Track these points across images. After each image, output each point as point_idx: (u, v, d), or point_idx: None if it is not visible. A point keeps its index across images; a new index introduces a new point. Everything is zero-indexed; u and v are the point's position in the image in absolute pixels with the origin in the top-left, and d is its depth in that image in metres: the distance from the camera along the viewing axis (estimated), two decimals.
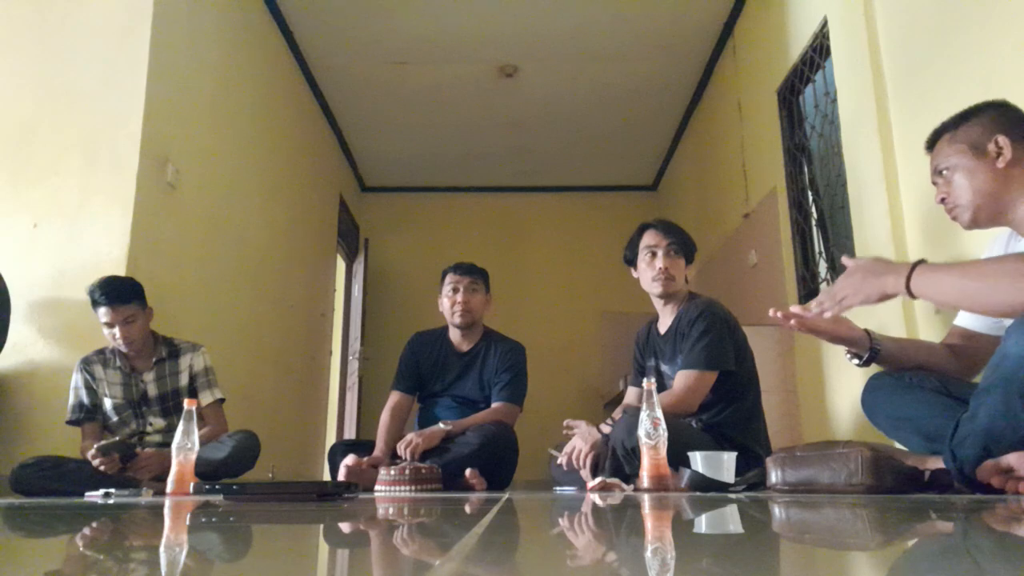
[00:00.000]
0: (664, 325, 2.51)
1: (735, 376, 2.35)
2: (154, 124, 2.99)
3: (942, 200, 1.69)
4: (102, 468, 2.34)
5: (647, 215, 2.85)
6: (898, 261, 1.63)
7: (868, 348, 1.81)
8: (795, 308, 1.83)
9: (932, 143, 1.73)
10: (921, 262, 1.51)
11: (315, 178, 5.32)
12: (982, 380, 1.44)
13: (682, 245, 2.46)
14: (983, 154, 1.61)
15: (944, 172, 1.67)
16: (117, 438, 2.47)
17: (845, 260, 1.70)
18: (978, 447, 1.40)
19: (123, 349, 2.60)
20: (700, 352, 2.30)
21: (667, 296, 2.47)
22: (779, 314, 1.81)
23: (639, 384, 2.54)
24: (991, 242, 1.76)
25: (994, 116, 1.63)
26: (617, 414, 2.39)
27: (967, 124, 1.65)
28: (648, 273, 2.46)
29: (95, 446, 2.36)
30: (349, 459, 2.63)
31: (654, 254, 2.44)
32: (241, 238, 3.88)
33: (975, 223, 1.65)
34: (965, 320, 1.80)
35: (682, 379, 2.30)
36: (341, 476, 2.62)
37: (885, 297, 1.58)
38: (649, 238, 2.48)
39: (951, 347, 1.79)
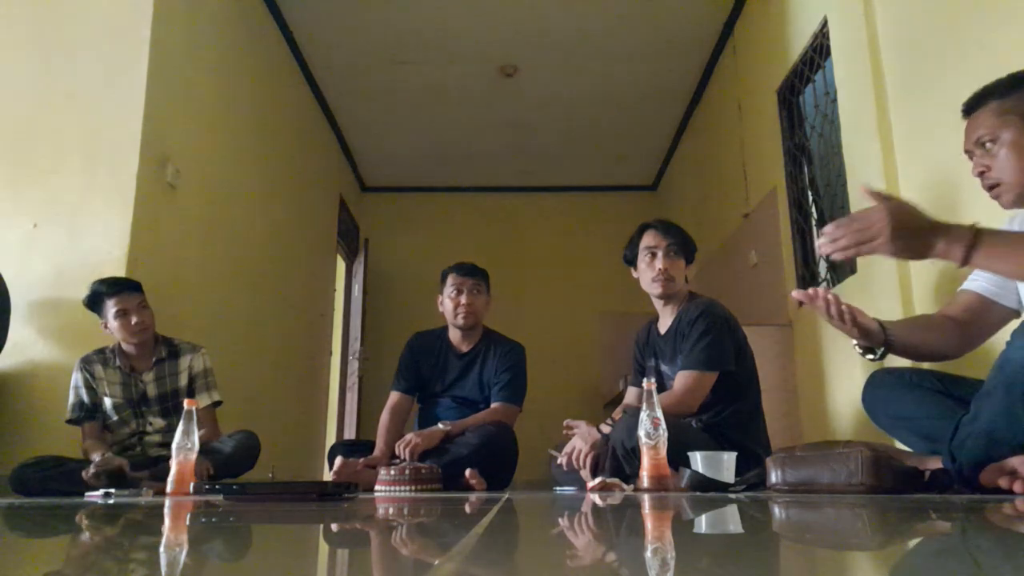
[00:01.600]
0: (664, 325, 2.51)
1: (735, 376, 2.35)
2: (154, 124, 2.99)
3: (980, 173, 1.52)
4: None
5: (647, 215, 2.84)
6: (940, 221, 1.34)
7: (883, 341, 1.66)
8: (795, 293, 1.68)
9: (972, 107, 1.53)
10: (979, 231, 1.31)
11: (315, 178, 5.32)
12: (985, 383, 1.44)
13: (682, 245, 2.46)
14: None
15: (987, 144, 1.49)
16: (105, 466, 2.30)
17: (867, 191, 1.39)
18: (979, 449, 1.40)
19: (136, 340, 2.60)
20: (700, 352, 2.30)
21: (667, 297, 2.47)
22: (801, 295, 1.65)
23: (639, 384, 2.54)
24: (1007, 224, 1.62)
25: None
26: (617, 414, 2.39)
27: (1019, 92, 1.46)
28: (648, 274, 2.46)
29: (90, 473, 2.27)
30: (337, 462, 2.63)
31: (654, 255, 2.44)
32: (241, 238, 3.88)
33: (1018, 203, 1.50)
34: (983, 285, 1.65)
35: (682, 379, 2.30)
36: (330, 479, 2.62)
37: (921, 258, 1.36)
38: (649, 238, 2.47)
39: (953, 317, 1.66)
